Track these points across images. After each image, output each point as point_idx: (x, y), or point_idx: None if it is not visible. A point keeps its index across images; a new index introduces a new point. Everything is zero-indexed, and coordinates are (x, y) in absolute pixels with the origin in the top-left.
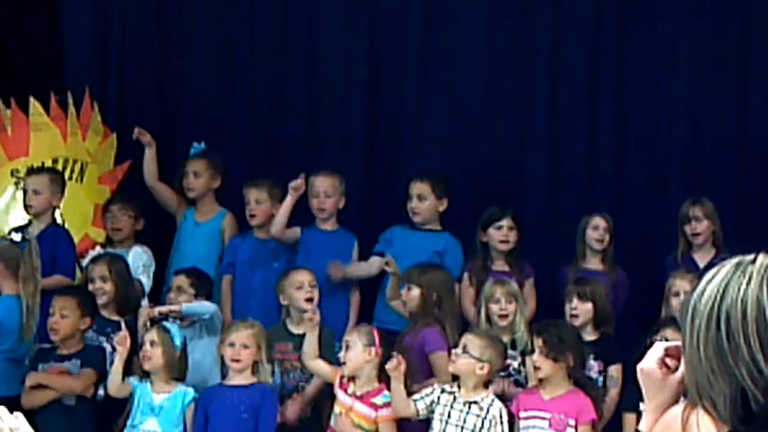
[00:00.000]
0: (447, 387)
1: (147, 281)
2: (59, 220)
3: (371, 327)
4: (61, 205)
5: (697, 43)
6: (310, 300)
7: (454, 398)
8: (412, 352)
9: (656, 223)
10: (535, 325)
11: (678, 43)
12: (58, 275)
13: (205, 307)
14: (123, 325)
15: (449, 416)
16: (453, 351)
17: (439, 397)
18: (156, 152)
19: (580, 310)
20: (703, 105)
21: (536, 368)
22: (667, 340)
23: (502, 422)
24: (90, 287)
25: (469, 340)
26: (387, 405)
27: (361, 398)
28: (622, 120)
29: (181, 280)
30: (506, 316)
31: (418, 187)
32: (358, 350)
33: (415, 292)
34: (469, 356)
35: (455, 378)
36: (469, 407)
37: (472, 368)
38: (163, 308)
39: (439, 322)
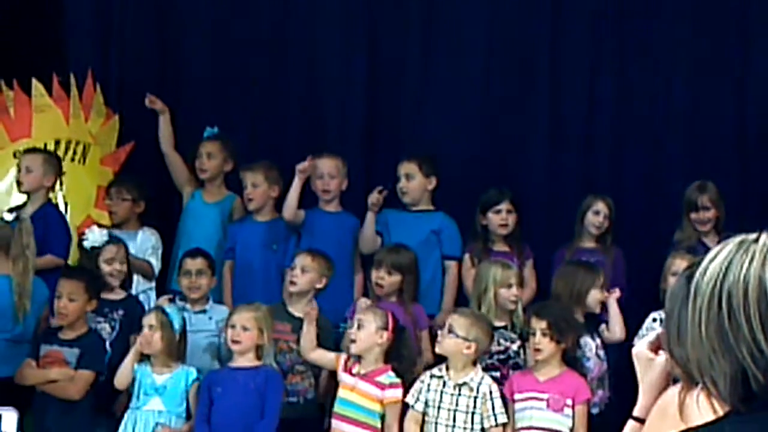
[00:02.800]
0: (435, 371)
1: (156, 263)
2: (61, 202)
3: (387, 311)
4: (64, 187)
5: (697, 25)
6: (292, 283)
7: (444, 382)
8: (410, 332)
9: (656, 205)
10: (534, 307)
11: (678, 25)
12: (50, 256)
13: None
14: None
15: (441, 400)
16: (439, 332)
17: (429, 384)
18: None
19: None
20: (702, 87)
21: (537, 350)
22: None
23: (493, 398)
24: (107, 269)
25: (455, 320)
26: (393, 385)
27: (365, 377)
28: (621, 102)
29: (200, 263)
30: (517, 301)
31: (405, 167)
32: (371, 331)
33: (397, 277)
34: (455, 336)
35: (443, 359)
36: (460, 389)
37: (460, 348)
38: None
39: (416, 299)
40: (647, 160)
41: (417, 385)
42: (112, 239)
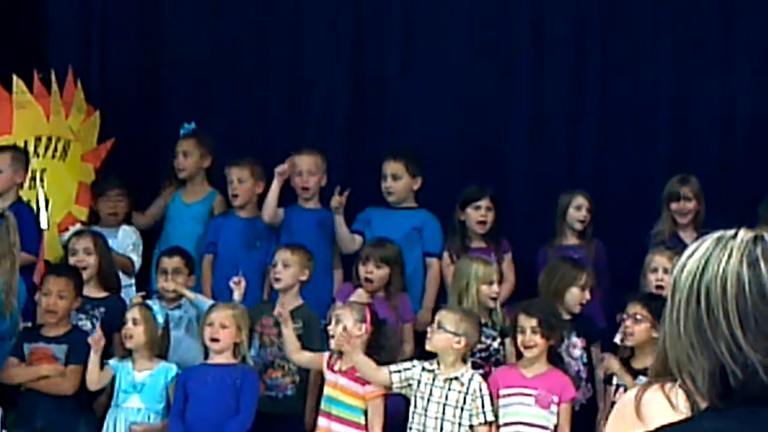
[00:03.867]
0: (427, 365)
1: (137, 259)
2: (42, 199)
3: (364, 304)
4: (45, 184)
5: (681, 18)
6: (276, 279)
7: (435, 376)
8: (393, 325)
9: (639, 200)
10: (522, 305)
11: (662, 19)
12: (22, 252)
13: (208, 304)
14: (98, 327)
15: (431, 393)
16: (428, 329)
17: (420, 375)
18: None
19: (588, 298)
20: (687, 81)
21: (528, 347)
22: (635, 314)
23: (482, 395)
24: (72, 260)
25: (443, 315)
26: None
27: (346, 373)
28: (604, 97)
29: (177, 262)
30: (497, 298)
31: (392, 167)
32: (349, 325)
33: (386, 270)
34: (444, 331)
35: (434, 355)
36: (450, 383)
37: (449, 343)
38: (179, 288)
39: (404, 291)
40: (630, 155)
41: (407, 364)
42: (90, 232)
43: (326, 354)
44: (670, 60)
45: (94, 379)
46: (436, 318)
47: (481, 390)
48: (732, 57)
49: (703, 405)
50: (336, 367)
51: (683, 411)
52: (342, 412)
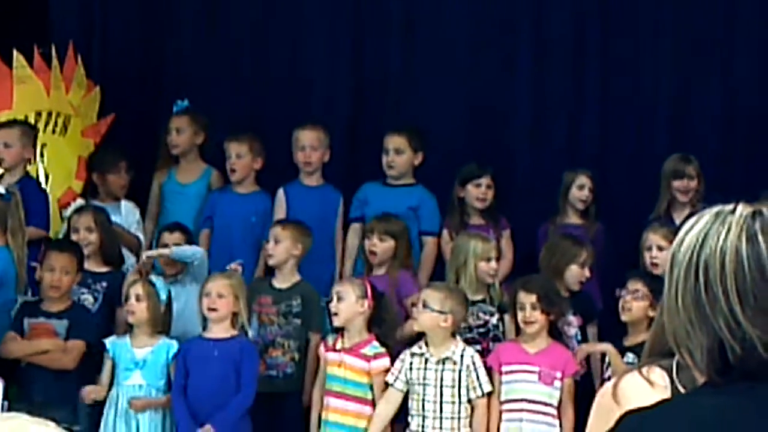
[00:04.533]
0: (416, 349)
1: (143, 237)
2: (42, 174)
3: (364, 279)
4: (45, 159)
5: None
6: (269, 255)
7: (426, 359)
8: (391, 299)
9: (640, 179)
10: (520, 281)
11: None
12: (32, 227)
13: (194, 250)
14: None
15: (425, 378)
16: (414, 309)
17: (411, 363)
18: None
19: (588, 276)
20: (688, 61)
21: (529, 323)
22: (636, 291)
23: (477, 368)
24: (74, 237)
25: (428, 294)
26: (378, 356)
27: (349, 350)
28: (606, 77)
29: (178, 237)
30: (495, 275)
31: (395, 141)
32: (351, 302)
33: (390, 242)
34: (431, 310)
35: (422, 336)
36: (443, 364)
37: (436, 322)
38: (153, 252)
39: (410, 267)
40: (632, 135)
41: (397, 364)
42: (91, 208)
43: (321, 348)
44: (672, 37)
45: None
46: (421, 297)
47: (474, 364)
48: (733, 33)
49: (701, 380)
50: (338, 346)
51: (662, 386)
52: (348, 389)
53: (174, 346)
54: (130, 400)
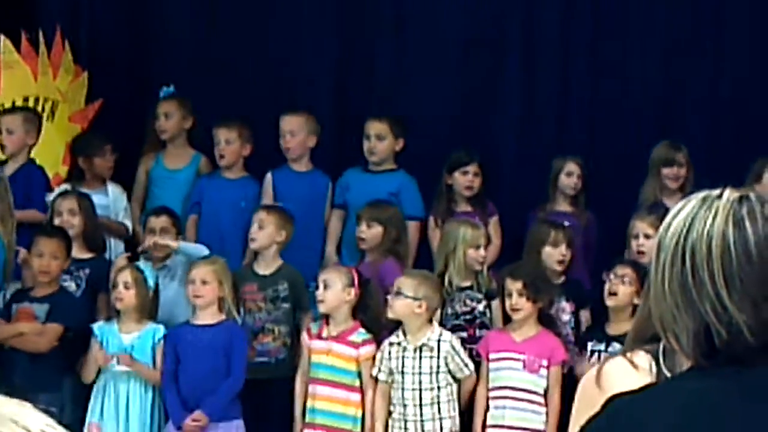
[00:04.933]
0: (393, 339)
1: (130, 224)
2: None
3: (350, 267)
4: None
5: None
6: (251, 240)
7: (404, 348)
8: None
9: (628, 166)
10: (508, 269)
11: None
12: (33, 210)
13: (199, 250)
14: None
15: (403, 365)
16: (389, 297)
17: (389, 351)
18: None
19: (568, 256)
20: (677, 47)
21: (515, 310)
22: (624, 276)
23: (457, 352)
24: (57, 221)
25: (401, 281)
26: (366, 342)
27: (337, 338)
28: (594, 62)
29: (164, 221)
30: (483, 262)
31: (377, 127)
32: (337, 290)
33: (378, 229)
34: (404, 297)
35: (400, 324)
36: (421, 351)
37: (411, 309)
38: (162, 241)
39: (398, 255)
40: (621, 122)
41: (378, 355)
42: (75, 193)
43: (303, 335)
44: (661, 23)
45: (92, 374)
46: (395, 284)
47: (454, 348)
48: (722, 21)
49: (687, 365)
50: (324, 334)
51: (646, 369)
52: (335, 376)
53: (160, 330)
54: (119, 355)
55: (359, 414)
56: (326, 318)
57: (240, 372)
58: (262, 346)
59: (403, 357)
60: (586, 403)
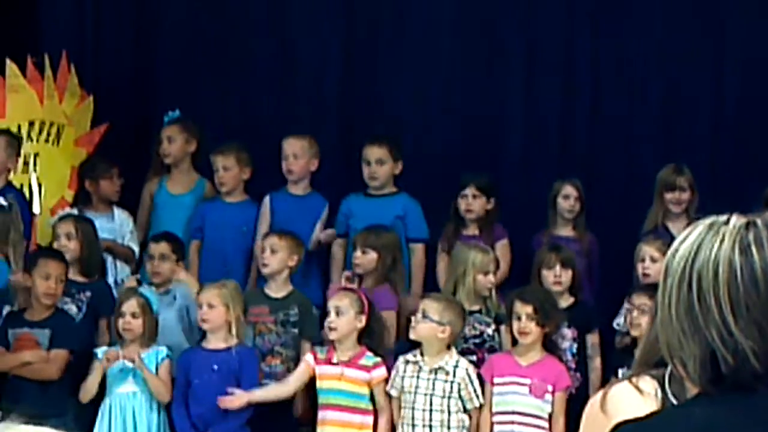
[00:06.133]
0: (410, 357)
1: (137, 248)
2: (35, 183)
3: (360, 293)
4: (38, 168)
5: (673, 6)
6: (264, 265)
7: (420, 368)
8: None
9: (632, 191)
10: (517, 292)
11: (654, 7)
12: None
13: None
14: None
15: (417, 386)
16: (413, 318)
17: (404, 369)
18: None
19: (563, 278)
20: (678, 71)
21: (524, 333)
22: (641, 306)
23: (472, 381)
24: (55, 244)
25: (427, 305)
26: (377, 365)
27: (348, 363)
28: (596, 86)
29: (164, 248)
30: (492, 288)
31: (376, 152)
32: (350, 317)
33: (372, 255)
34: (430, 320)
35: (418, 345)
36: (436, 374)
37: (434, 333)
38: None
39: (392, 282)
40: (624, 145)
41: (393, 373)
42: (72, 217)
43: (309, 356)
44: (661, 47)
45: (92, 394)
46: (420, 307)
47: (470, 376)
48: (723, 42)
49: (693, 391)
50: (335, 360)
51: (652, 395)
52: (349, 401)
53: (163, 351)
54: (106, 355)
55: None
56: (332, 343)
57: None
58: (270, 368)
59: (418, 377)
60: (592, 428)
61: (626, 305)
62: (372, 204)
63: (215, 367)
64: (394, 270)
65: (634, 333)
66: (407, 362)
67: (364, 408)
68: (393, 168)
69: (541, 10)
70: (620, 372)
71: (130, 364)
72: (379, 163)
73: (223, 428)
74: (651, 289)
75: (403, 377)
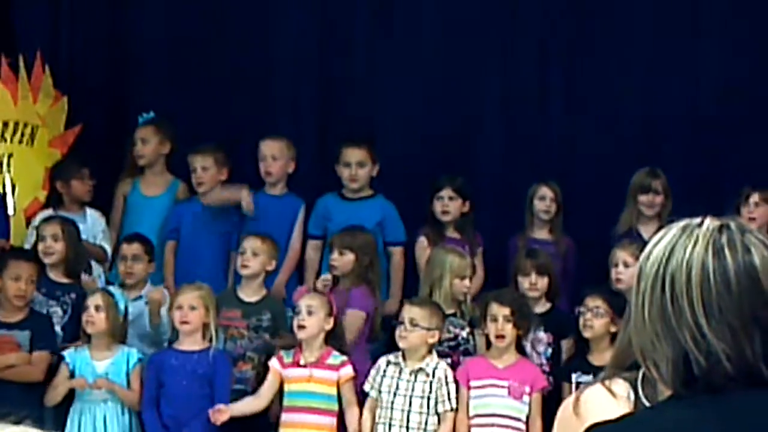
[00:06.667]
0: (392, 358)
1: (109, 248)
2: (8, 184)
3: (329, 295)
4: (12, 169)
5: (649, 8)
6: (244, 266)
7: (401, 369)
8: (341, 313)
9: (607, 193)
10: (493, 294)
11: (632, 9)
12: None
13: None
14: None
15: (397, 387)
16: (401, 326)
17: (384, 370)
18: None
19: (539, 285)
20: (655, 74)
21: (500, 336)
22: (597, 308)
23: (448, 383)
24: (40, 245)
25: (416, 313)
26: (344, 363)
27: (316, 364)
28: (573, 90)
29: (137, 248)
30: (467, 292)
31: (357, 154)
32: (320, 318)
33: (350, 256)
34: (420, 329)
35: (395, 347)
36: (416, 375)
37: (425, 339)
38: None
39: (369, 283)
40: (599, 151)
41: (372, 372)
42: (58, 218)
43: (274, 360)
44: (639, 49)
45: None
46: (407, 316)
47: (447, 378)
48: (699, 45)
49: (666, 393)
50: (302, 361)
51: (624, 397)
52: (317, 402)
53: (134, 354)
54: (96, 380)
55: None
56: (300, 346)
57: (223, 400)
58: (242, 373)
59: (398, 378)
60: (565, 431)
61: (579, 308)
62: (350, 207)
63: (188, 366)
64: (372, 271)
65: (587, 335)
66: (389, 363)
67: (329, 409)
68: (371, 170)
69: (519, 11)
70: (573, 376)
71: (102, 392)
72: (359, 166)
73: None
74: (605, 291)
75: (383, 377)
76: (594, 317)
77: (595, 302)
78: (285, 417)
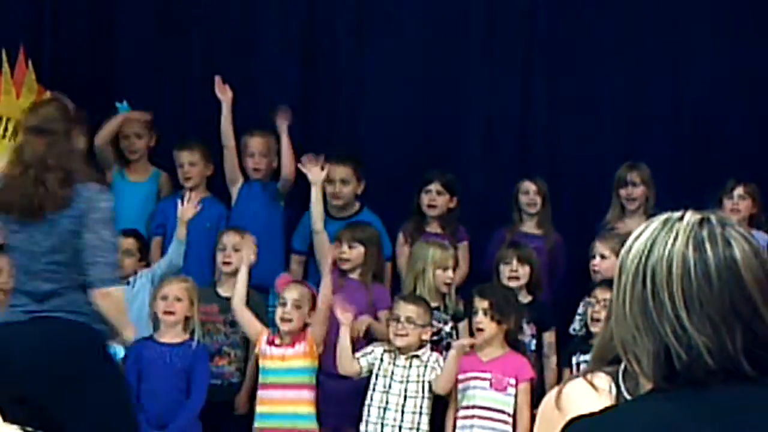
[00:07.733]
0: (388, 347)
1: None
2: None
3: (312, 289)
4: None
5: (635, 4)
6: (226, 263)
7: (396, 356)
8: (369, 310)
9: (593, 187)
10: (476, 288)
11: (616, 6)
12: None
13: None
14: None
15: (393, 373)
16: (396, 324)
17: (382, 357)
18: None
19: (520, 272)
20: (638, 69)
21: (479, 330)
22: (603, 301)
23: (441, 368)
24: None
25: (411, 311)
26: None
27: (292, 344)
28: (555, 84)
29: (131, 243)
30: (451, 283)
31: (341, 171)
32: (304, 312)
33: (360, 249)
34: (415, 326)
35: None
36: (411, 361)
37: (421, 336)
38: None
39: (379, 278)
40: (585, 146)
41: (368, 348)
42: None
43: (266, 332)
44: (621, 44)
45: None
46: (403, 314)
47: (438, 363)
48: (682, 39)
49: (647, 386)
50: (277, 342)
51: (606, 391)
52: (289, 377)
53: (120, 351)
54: None
55: (313, 411)
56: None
57: (200, 396)
58: (218, 368)
59: (394, 364)
60: (547, 425)
61: (587, 300)
62: (336, 227)
63: (168, 358)
64: (378, 263)
65: (594, 329)
66: (385, 351)
67: (301, 383)
68: (356, 188)
69: (501, 8)
70: (573, 359)
71: None
72: (342, 183)
73: (175, 423)
74: (604, 283)
75: (380, 361)
76: (603, 309)
77: (604, 294)
78: (264, 393)
